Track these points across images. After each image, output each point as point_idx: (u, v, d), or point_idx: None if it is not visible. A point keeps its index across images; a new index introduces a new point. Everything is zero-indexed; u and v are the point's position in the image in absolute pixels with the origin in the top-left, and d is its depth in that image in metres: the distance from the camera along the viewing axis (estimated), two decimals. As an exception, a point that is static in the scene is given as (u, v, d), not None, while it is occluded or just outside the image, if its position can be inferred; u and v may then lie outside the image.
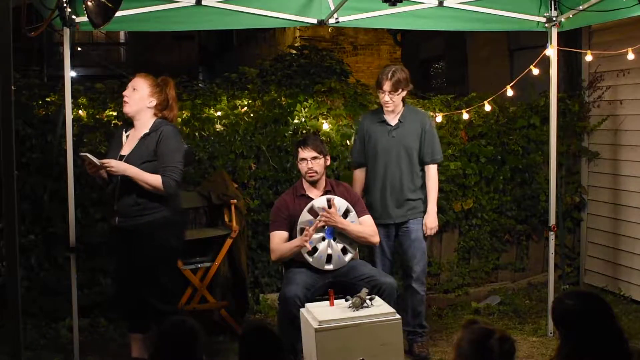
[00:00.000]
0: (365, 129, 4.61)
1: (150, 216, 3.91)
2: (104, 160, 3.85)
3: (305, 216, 4.15)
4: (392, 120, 4.52)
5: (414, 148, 4.49)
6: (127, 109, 3.99)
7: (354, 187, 4.61)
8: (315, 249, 4.14)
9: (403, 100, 4.52)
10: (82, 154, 3.86)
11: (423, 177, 4.55)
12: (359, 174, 4.66)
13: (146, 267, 3.94)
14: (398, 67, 4.48)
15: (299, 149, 4.27)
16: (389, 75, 4.39)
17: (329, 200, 4.13)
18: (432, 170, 4.53)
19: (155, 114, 4.00)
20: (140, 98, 3.96)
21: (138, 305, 4.03)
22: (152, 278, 3.94)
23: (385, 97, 4.43)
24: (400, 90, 4.41)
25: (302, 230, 4.10)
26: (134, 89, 3.98)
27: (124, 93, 4.02)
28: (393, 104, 4.44)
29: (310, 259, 4.13)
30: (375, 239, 4.31)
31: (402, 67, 4.50)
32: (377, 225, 4.45)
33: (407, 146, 4.47)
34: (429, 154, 4.51)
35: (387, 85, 4.39)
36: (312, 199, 4.22)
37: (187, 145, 4.31)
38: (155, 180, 3.85)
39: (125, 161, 3.90)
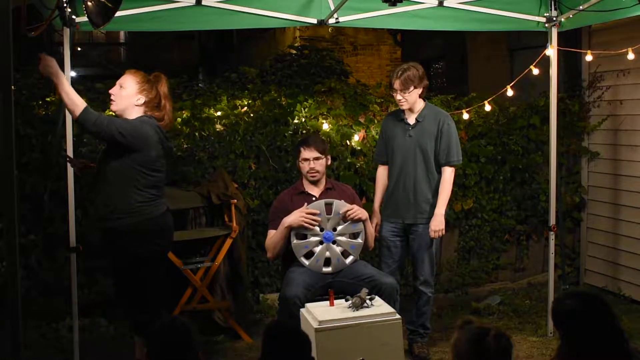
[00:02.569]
0: (386, 128, 4.60)
1: (116, 222, 3.67)
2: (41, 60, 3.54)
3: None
4: (411, 119, 4.46)
5: (430, 149, 4.40)
6: (114, 107, 3.79)
7: (376, 184, 4.63)
8: (311, 253, 4.11)
9: (423, 98, 4.48)
10: (63, 153, 3.74)
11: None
12: (381, 172, 4.65)
13: (118, 274, 3.85)
14: (410, 65, 4.39)
15: (301, 149, 4.24)
16: (398, 73, 4.34)
17: (328, 204, 4.10)
18: (446, 173, 4.41)
19: (145, 112, 3.76)
20: (126, 95, 3.74)
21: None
22: (124, 285, 3.83)
23: (397, 97, 4.38)
24: (412, 87, 4.33)
25: (297, 233, 4.08)
26: (121, 86, 3.77)
27: (110, 91, 3.81)
28: (407, 103, 4.38)
29: (306, 263, 4.10)
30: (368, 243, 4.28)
31: (414, 65, 4.40)
32: (387, 223, 4.46)
33: (423, 147, 4.39)
34: (444, 155, 4.40)
35: (396, 84, 4.34)
36: (312, 195, 4.22)
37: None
38: (79, 101, 3.54)
39: (102, 156, 3.77)
